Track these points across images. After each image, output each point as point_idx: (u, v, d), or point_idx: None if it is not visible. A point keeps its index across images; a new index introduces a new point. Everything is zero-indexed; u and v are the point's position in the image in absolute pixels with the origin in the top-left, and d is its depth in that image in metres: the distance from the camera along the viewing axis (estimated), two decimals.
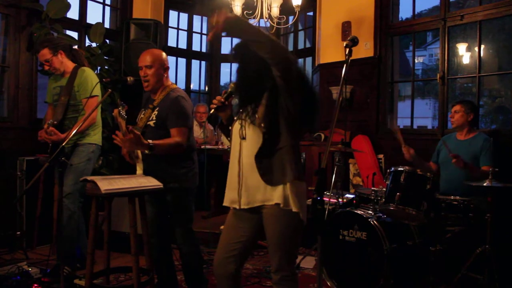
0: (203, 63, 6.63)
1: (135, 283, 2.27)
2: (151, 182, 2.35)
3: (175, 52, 6.15)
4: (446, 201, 2.98)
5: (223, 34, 1.73)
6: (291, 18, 5.11)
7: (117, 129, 2.32)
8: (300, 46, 6.24)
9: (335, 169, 3.63)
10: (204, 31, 6.54)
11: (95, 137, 3.22)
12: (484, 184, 2.74)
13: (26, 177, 3.74)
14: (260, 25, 4.74)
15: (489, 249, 2.73)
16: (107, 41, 4.98)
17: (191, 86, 6.61)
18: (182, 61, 6.30)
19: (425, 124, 16.54)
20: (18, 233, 3.75)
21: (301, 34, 6.35)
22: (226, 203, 1.97)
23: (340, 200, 3.64)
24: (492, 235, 2.75)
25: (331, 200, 3.62)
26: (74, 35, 4.67)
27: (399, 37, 4.94)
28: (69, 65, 3.20)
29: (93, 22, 4.62)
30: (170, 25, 6.09)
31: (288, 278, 1.88)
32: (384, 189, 3.09)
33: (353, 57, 1.93)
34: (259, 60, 1.76)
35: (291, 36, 6.52)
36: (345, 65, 1.89)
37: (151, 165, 2.50)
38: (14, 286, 2.81)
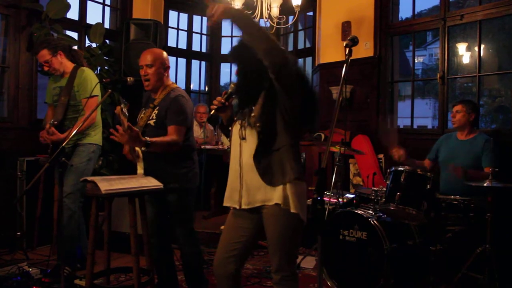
0: (203, 63, 6.63)
1: (136, 283, 2.27)
2: (151, 182, 2.35)
3: (175, 52, 6.14)
4: (447, 201, 2.98)
5: (226, 19, 1.71)
6: (291, 18, 5.12)
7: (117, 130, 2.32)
8: (300, 46, 6.24)
9: (335, 169, 3.62)
10: (204, 31, 6.54)
11: (96, 137, 3.22)
12: (484, 184, 2.74)
13: (26, 178, 3.74)
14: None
15: (489, 248, 2.73)
16: (107, 41, 4.97)
17: (191, 86, 6.61)
18: (182, 61, 6.31)
19: (425, 124, 16.53)
20: (18, 233, 3.75)
21: (301, 34, 6.35)
22: (226, 203, 1.97)
23: (340, 200, 3.64)
24: (492, 235, 2.75)
25: (331, 200, 3.61)
26: (74, 35, 4.67)
27: (399, 37, 4.94)
28: (69, 65, 3.20)
29: (93, 23, 4.62)
30: (170, 25, 6.09)
31: (289, 278, 1.88)
32: (384, 189, 3.09)
33: (353, 57, 1.93)
34: (258, 60, 1.76)
35: (291, 36, 6.52)
36: (345, 65, 1.89)
37: (152, 164, 2.50)
38: (15, 286, 2.81)
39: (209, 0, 1.74)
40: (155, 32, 4.73)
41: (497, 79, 12.07)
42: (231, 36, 6.56)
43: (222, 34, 6.67)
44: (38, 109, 4.31)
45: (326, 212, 3.47)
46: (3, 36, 4.13)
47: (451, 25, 4.27)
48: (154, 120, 2.54)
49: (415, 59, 7.43)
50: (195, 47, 6.46)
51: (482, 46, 4.22)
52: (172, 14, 6.08)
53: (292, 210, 1.80)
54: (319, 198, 1.66)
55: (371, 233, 2.87)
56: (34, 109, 4.27)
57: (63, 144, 2.29)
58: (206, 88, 6.75)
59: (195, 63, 6.47)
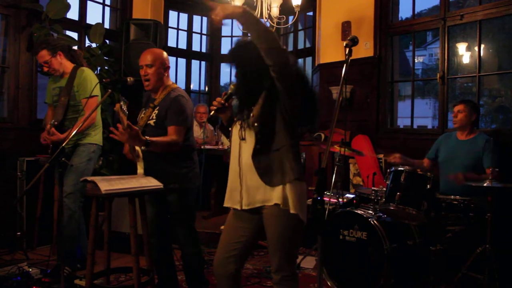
0: (203, 63, 6.63)
1: (136, 283, 2.27)
2: (151, 183, 2.35)
3: (175, 52, 6.14)
4: (447, 201, 2.98)
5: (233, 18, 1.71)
6: (291, 18, 5.12)
7: (117, 128, 2.32)
8: (300, 46, 6.24)
9: (335, 169, 3.63)
10: (204, 31, 6.54)
11: (96, 137, 3.22)
12: (484, 184, 2.74)
13: (26, 178, 3.74)
14: None
15: (489, 248, 2.73)
16: (107, 41, 4.97)
17: (191, 86, 6.61)
18: (182, 61, 6.31)
19: (425, 124, 16.51)
20: (19, 233, 3.75)
21: (301, 34, 6.35)
22: (227, 204, 1.97)
23: (340, 200, 3.64)
24: (492, 235, 2.75)
25: (331, 200, 3.61)
26: (74, 35, 4.67)
27: (399, 36, 4.94)
28: (68, 65, 3.20)
29: (93, 23, 4.62)
30: (170, 25, 6.09)
31: (289, 278, 1.88)
32: (384, 189, 3.09)
33: (353, 57, 1.93)
34: (258, 60, 1.76)
35: (291, 36, 6.53)
36: (345, 65, 1.89)
37: (152, 164, 2.50)
38: (15, 286, 2.81)
39: (209, 0, 1.73)
40: (155, 32, 4.73)
41: (497, 79, 12.06)
42: (231, 36, 6.56)
43: (222, 34, 6.67)
44: (38, 109, 4.31)
45: (326, 212, 3.47)
46: (3, 36, 4.13)
47: (451, 25, 4.27)
48: (154, 120, 2.54)
49: (415, 59, 7.43)
50: (195, 47, 6.46)
51: (482, 46, 4.22)
52: (172, 14, 6.09)
53: (292, 211, 1.80)
54: (319, 198, 1.66)
55: (371, 233, 2.87)
56: (34, 109, 4.28)
57: (63, 144, 2.29)
58: (206, 88, 6.75)
59: (195, 63, 6.47)
